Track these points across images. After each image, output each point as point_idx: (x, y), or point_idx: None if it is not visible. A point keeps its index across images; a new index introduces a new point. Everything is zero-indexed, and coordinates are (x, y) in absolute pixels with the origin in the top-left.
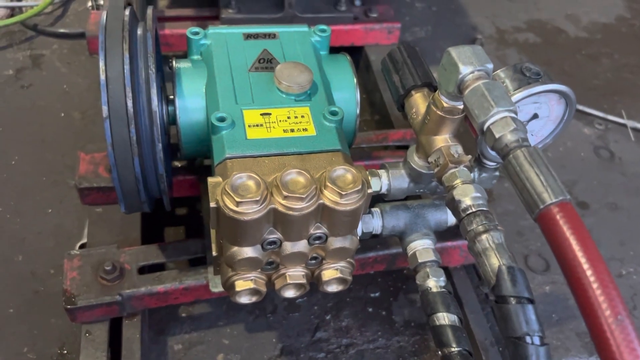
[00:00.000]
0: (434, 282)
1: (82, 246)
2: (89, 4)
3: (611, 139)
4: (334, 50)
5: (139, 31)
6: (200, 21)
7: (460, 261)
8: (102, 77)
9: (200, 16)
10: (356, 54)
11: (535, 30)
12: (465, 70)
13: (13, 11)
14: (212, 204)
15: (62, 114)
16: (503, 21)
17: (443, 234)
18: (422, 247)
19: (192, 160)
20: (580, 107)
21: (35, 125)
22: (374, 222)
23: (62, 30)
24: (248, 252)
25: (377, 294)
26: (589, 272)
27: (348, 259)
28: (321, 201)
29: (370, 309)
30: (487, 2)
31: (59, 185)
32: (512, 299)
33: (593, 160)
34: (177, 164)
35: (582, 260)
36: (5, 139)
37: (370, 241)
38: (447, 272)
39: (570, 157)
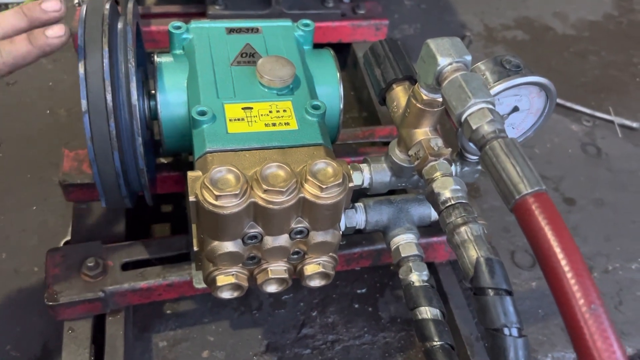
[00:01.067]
0: (417, 277)
1: (66, 243)
2: (76, 0)
3: (598, 135)
4: (321, 47)
5: (120, 25)
6: (187, 17)
7: (446, 256)
8: (81, 70)
9: (187, 12)
10: (344, 50)
11: (523, 27)
12: (443, 62)
13: None
14: (192, 198)
15: (48, 111)
16: (491, 19)
17: (428, 229)
18: (405, 241)
19: (177, 157)
20: (568, 104)
21: (19, 122)
22: (357, 217)
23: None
24: (229, 246)
25: (363, 290)
26: (563, 262)
27: (330, 254)
28: (302, 195)
29: (356, 305)
30: (475, 0)
31: (44, 183)
32: (490, 290)
33: (580, 157)
34: (163, 160)
35: (557, 250)
36: None
37: (356, 237)
38: (433, 267)
39: (557, 154)
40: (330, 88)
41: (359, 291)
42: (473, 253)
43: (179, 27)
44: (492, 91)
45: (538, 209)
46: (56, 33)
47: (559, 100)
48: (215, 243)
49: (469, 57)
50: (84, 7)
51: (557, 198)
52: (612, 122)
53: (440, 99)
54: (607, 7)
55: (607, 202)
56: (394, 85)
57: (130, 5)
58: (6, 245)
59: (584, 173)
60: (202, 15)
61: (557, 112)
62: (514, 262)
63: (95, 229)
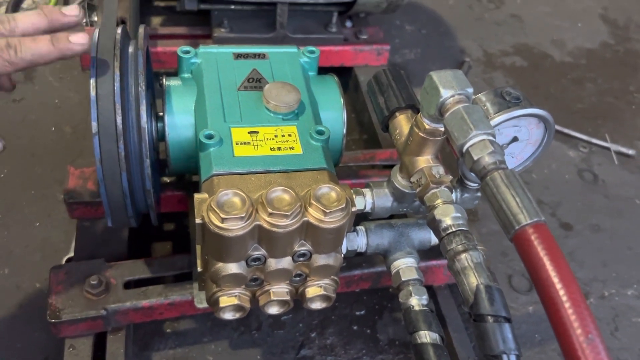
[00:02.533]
0: (417, 301)
1: (69, 260)
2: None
3: (595, 161)
4: (324, 70)
5: (131, 49)
6: (192, 39)
7: (444, 280)
8: (93, 94)
9: (193, 34)
10: (346, 74)
11: (521, 54)
12: (446, 94)
13: None
14: (198, 220)
15: (53, 128)
16: (490, 44)
17: (427, 253)
18: (405, 265)
19: (181, 176)
20: (565, 130)
21: (25, 138)
22: (358, 240)
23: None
24: (232, 268)
25: (362, 312)
26: (561, 292)
27: (332, 277)
28: (306, 218)
29: (355, 327)
30: (475, 26)
31: (48, 199)
32: (489, 317)
33: (577, 183)
34: (166, 179)
35: (555, 280)
36: None
37: (356, 259)
38: (432, 290)
39: (554, 179)
40: (334, 113)
41: (358, 313)
42: (473, 280)
43: (187, 52)
44: (493, 122)
45: (537, 239)
46: (79, 40)
47: (556, 127)
48: (220, 264)
49: (470, 90)
50: (97, 31)
51: (554, 223)
52: (608, 148)
53: (442, 129)
54: (604, 35)
55: (604, 228)
56: (397, 114)
57: (141, 30)
58: (9, 260)
59: (581, 199)
60: (207, 37)
61: (555, 139)
62: (511, 286)
63: (98, 247)
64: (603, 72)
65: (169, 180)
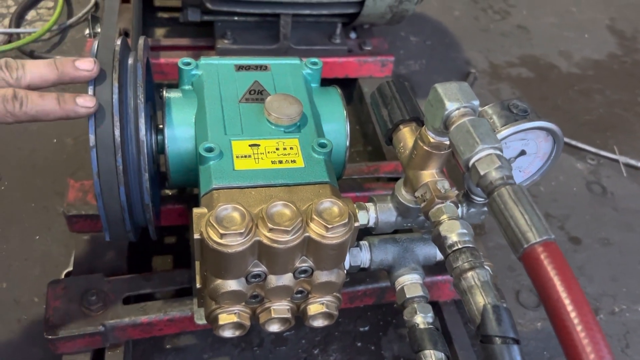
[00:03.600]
0: (422, 318)
1: (68, 274)
2: (87, 31)
3: (603, 174)
4: (328, 81)
5: (130, 61)
6: (196, 51)
7: (450, 296)
8: None
9: (196, 46)
10: (350, 85)
11: (528, 65)
12: (451, 106)
13: (11, 37)
14: (196, 236)
15: (55, 140)
16: (496, 56)
17: (433, 268)
18: (410, 281)
19: (182, 189)
20: (573, 142)
21: (26, 150)
22: (362, 256)
23: (58, 57)
24: (232, 285)
25: (366, 328)
26: (572, 314)
27: (334, 294)
28: (307, 234)
29: (359, 344)
30: (480, 37)
31: (48, 212)
32: (497, 338)
33: (585, 195)
34: (168, 192)
35: (566, 301)
36: None
37: (360, 274)
38: (437, 306)
39: (562, 192)
40: (337, 125)
41: (362, 329)
42: (480, 299)
43: (188, 64)
44: (499, 135)
45: (547, 258)
46: (86, 103)
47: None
48: (219, 281)
49: (476, 102)
50: (96, 42)
51: (562, 237)
52: (617, 161)
53: (447, 142)
54: (612, 46)
55: (613, 242)
56: (401, 126)
57: (141, 41)
58: (8, 274)
59: (590, 212)
60: (210, 48)
61: (563, 151)
62: (519, 302)
63: (98, 261)
64: (611, 84)
65: (170, 193)
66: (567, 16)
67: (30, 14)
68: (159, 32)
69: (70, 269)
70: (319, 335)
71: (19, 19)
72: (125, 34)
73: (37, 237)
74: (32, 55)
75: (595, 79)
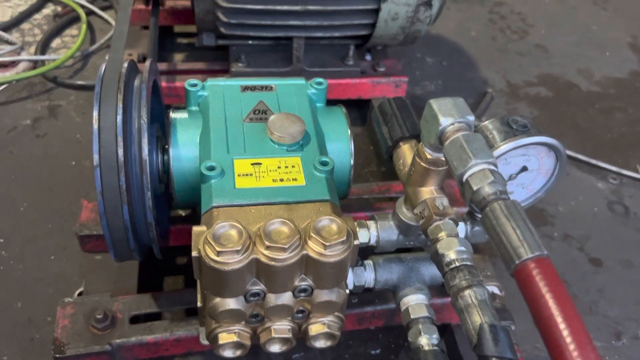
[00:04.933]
0: (427, 340)
1: (80, 294)
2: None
3: (625, 193)
4: (342, 102)
5: (136, 82)
6: (211, 74)
7: None
8: (95, 126)
9: (211, 69)
10: (364, 106)
11: (546, 84)
12: (445, 122)
13: (36, 64)
14: (194, 253)
15: (73, 162)
16: (514, 75)
17: (443, 289)
18: (415, 302)
19: (193, 209)
20: (594, 161)
21: (45, 173)
22: (366, 275)
23: (79, 82)
24: (231, 303)
25: (377, 351)
26: (565, 332)
27: (336, 313)
28: (305, 252)
29: None
30: (498, 57)
31: (64, 233)
32: (494, 359)
33: (607, 215)
34: (181, 212)
35: (559, 319)
36: (16, 186)
37: (368, 295)
38: (449, 329)
39: (582, 212)
40: (341, 144)
41: (372, 352)
42: (477, 318)
43: (195, 85)
44: (498, 151)
45: (539, 274)
46: None
47: (583, 157)
48: (217, 300)
49: (471, 117)
50: (103, 65)
51: (582, 258)
52: (639, 180)
53: (444, 158)
54: (633, 64)
55: (636, 264)
56: (401, 143)
57: (147, 63)
58: (23, 294)
59: (611, 233)
60: (225, 72)
61: (581, 170)
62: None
63: (109, 280)
64: (633, 102)
65: (184, 214)
66: (587, 35)
67: (55, 42)
68: (178, 56)
69: (82, 288)
70: (328, 358)
71: (44, 47)
72: (142, 59)
73: (52, 257)
74: (55, 81)
75: (616, 97)
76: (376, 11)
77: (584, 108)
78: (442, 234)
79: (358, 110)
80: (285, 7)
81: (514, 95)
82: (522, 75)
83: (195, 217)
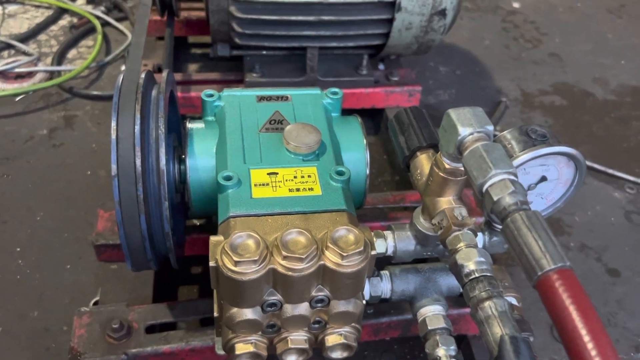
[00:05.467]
0: (444, 351)
1: (95, 303)
2: (123, 68)
3: None
4: (356, 112)
5: (153, 93)
6: (225, 84)
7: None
8: (113, 136)
9: (226, 80)
10: (378, 115)
11: (561, 93)
12: (464, 131)
13: (52, 75)
14: (211, 263)
15: (89, 172)
16: (528, 84)
17: (460, 300)
18: (432, 313)
19: (209, 219)
20: (610, 171)
21: (62, 182)
22: (382, 286)
23: (95, 93)
24: (247, 313)
25: None
26: (589, 345)
27: (353, 324)
28: (322, 262)
29: None
30: (512, 66)
31: (80, 242)
32: None
33: (624, 226)
34: (196, 222)
35: (583, 332)
36: (33, 196)
37: (384, 305)
38: (466, 340)
39: (599, 222)
40: (356, 154)
41: None
42: (497, 330)
43: (211, 95)
44: (517, 161)
45: (562, 286)
46: None
47: (600, 167)
48: (234, 310)
49: (490, 127)
50: (120, 76)
51: (599, 269)
52: None
53: (463, 168)
54: None
55: None
56: (418, 153)
57: (164, 74)
58: (39, 303)
59: (629, 243)
60: (240, 82)
61: (598, 179)
62: (554, 336)
63: (125, 290)
64: None
65: (198, 223)
66: (602, 43)
67: (72, 53)
68: (192, 67)
69: (97, 297)
70: None
71: (60, 57)
72: (158, 69)
73: (69, 267)
74: (71, 91)
75: (633, 105)
76: (390, 21)
77: (600, 117)
78: (461, 245)
79: (371, 119)
80: (300, 18)
81: (529, 104)
82: (536, 83)
83: (209, 226)
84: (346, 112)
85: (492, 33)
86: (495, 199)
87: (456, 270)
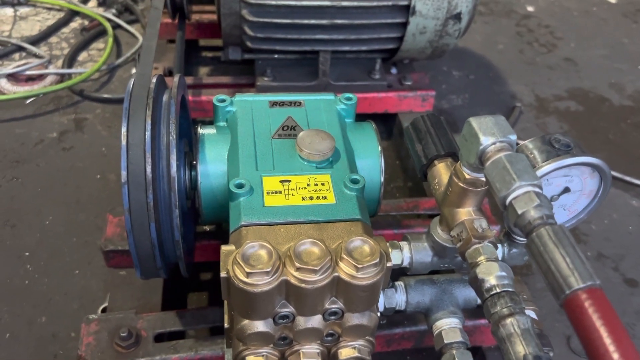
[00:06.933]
0: None
1: (104, 310)
2: (133, 71)
3: None
4: (368, 117)
5: (165, 98)
6: (236, 88)
7: (494, 341)
8: (123, 142)
9: (237, 83)
10: (390, 120)
11: (577, 98)
12: (486, 141)
13: (63, 77)
14: (223, 274)
15: (98, 176)
16: (543, 89)
17: (475, 310)
18: (448, 326)
19: (218, 225)
20: (627, 178)
21: (71, 186)
22: (397, 297)
23: (105, 96)
24: (259, 326)
25: None
26: None
27: (367, 337)
28: (336, 274)
29: None
30: (526, 71)
31: (89, 247)
32: None
33: None
34: (205, 228)
35: (615, 355)
36: (42, 199)
37: (397, 316)
38: (480, 352)
39: (616, 230)
40: (371, 161)
41: None
42: (520, 349)
43: (223, 100)
44: (540, 171)
45: (592, 306)
46: None
47: (617, 174)
48: (245, 322)
49: (513, 137)
50: (131, 80)
51: (617, 279)
52: None
53: (484, 178)
54: None
55: None
56: (436, 162)
57: (175, 79)
58: (47, 308)
59: None
60: (251, 86)
61: (615, 187)
62: (570, 348)
63: (133, 297)
64: None
65: (208, 229)
66: (618, 48)
67: (82, 55)
68: (203, 70)
69: (106, 304)
70: None
71: (71, 60)
72: (169, 72)
73: (77, 272)
74: (81, 94)
75: None
76: (404, 25)
77: (616, 123)
78: (482, 258)
79: (383, 123)
80: (313, 21)
81: (543, 109)
82: (551, 89)
83: (220, 232)
84: (359, 116)
85: (506, 37)
86: (519, 212)
87: (476, 284)
